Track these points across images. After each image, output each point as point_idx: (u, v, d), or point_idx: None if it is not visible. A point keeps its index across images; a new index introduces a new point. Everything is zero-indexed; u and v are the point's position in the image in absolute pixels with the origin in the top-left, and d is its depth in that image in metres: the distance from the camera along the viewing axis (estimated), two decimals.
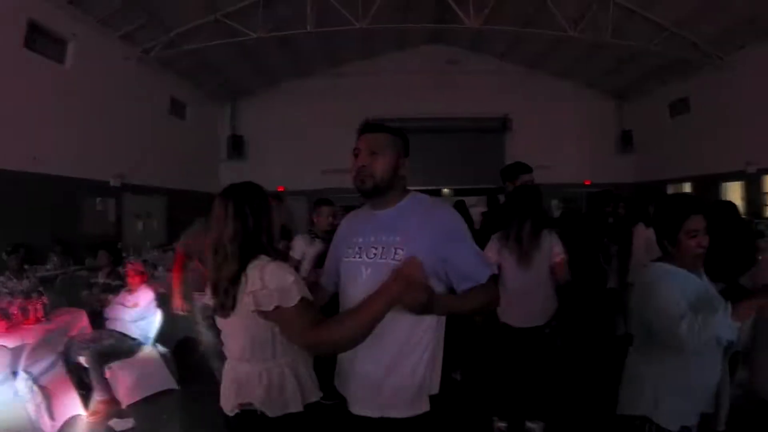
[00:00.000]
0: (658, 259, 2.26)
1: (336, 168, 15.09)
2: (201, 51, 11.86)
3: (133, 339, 5.06)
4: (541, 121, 16.63)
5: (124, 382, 4.76)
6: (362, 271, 1.95)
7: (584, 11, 12.00)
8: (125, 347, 4.94)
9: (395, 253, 1.88)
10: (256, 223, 1.90)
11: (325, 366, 2.06)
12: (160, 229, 12.61)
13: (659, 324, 2.07)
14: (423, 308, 1.71)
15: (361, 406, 1.92)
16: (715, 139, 13.63)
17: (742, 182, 12.51)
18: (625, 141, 17.54)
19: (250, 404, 1.85)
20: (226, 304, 1.85)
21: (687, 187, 14.67)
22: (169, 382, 5.18)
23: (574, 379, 4.78)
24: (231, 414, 1.91)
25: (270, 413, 1.83)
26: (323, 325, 1.72)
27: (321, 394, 1.98)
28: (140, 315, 5.12)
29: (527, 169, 4.14)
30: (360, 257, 1.99)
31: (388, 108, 15.54)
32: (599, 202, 6.57)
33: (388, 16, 11.83)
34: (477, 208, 8.32)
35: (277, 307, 1.73)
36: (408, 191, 2.07)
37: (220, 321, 1.96)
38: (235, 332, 1.91)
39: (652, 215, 2.50)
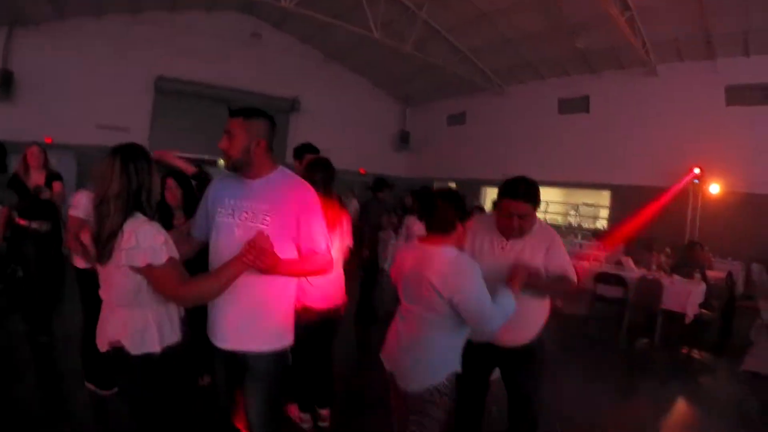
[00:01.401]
0: (432, 242, 2.50)
1: (114, 124, 13.75)
2: None
3: None
4: (329, 109, 17.37)
5: None
6: (234, 231, 2.28)
7: (393, 19, 12.98)
8: None
9: (263, 219, 2.26)
10: (138, 182, 2.08)
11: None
12: None
13: (474, 309, 2.32)
14: (270, 269, 2.16)
15: (232, 344, 2.33)
16: (481, 150, 16.55)
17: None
18: (403, 140, 19.51)
19: (119, 342, 2.09)
20: (103, 254, 2.05)
21: (453, 186, 16.52)
22: None
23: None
24: (103, 351, 2.16)
25: (132, 351, 2.08)
26: (190, 282, 2.09)
27: (178, 339, 2.24)
28: None
29: (313, 150, 4.26)
30: (233, 218, 2.31)
31: (181, 69, 14.80)
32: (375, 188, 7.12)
33: None
34: None
35: (148, 265, 1.99)
36: (277, 165, 2.40)
37: (98, 268, 2.15)
38: (109, 280, 2.13)
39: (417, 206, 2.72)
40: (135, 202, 2.06)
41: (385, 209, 7.12)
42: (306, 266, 2.36)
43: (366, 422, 3.97)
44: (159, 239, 2.03)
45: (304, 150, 4.27)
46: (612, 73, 13.07)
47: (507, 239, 2.81)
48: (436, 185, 17.17)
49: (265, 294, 2.31)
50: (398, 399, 2.61)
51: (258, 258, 2.09)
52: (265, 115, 2.36)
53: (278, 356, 2.36)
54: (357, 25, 12.69)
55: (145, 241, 1.98)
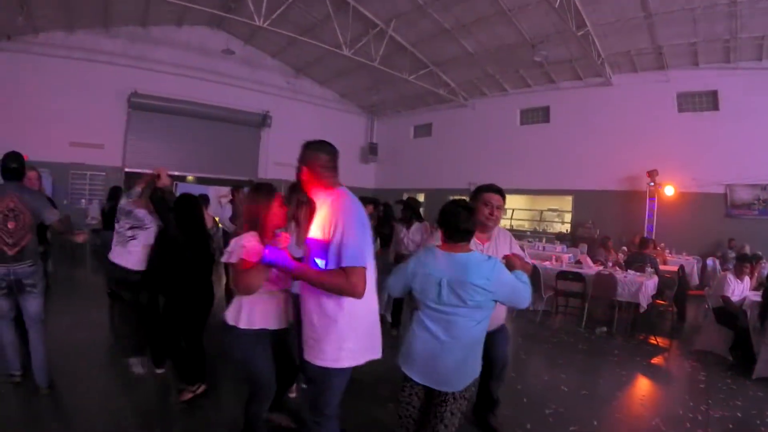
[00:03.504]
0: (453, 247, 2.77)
1: (87, 142, 14.07)
2: None
3: None
4: (299, 122, 17.57)
5: None
6: None
7: (362, 35, 13.47)
8: None
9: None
10: (258, 210, 2.92)
11: None
12: None
13: (513, 292, 2.70)
14: (251, 265, 2.57)
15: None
16: (447, 160, 17.24)
17: (466, 198, 15.77)
18: (371, 151, 20.00)
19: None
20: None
21: (421, 197, 17.23)
22: None
23: None
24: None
25: (227, 321, 2.87)
26: (238, 275, 2.67)
27: (266, 325, 2.88)
28: None
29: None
30: None
31: (154, 84, 14.99)
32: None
33: None
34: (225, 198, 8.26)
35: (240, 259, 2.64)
36: (332, 187, 2.63)
37: None
38: None
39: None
40: (251, 224, 2.84)
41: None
42: (314, 276, 2.34)
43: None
44: (240, 243, 2.68)
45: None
46: (570, 85, 13.74)
47: (483, 244, 3.44)
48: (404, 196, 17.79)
49: (326, 310, 2.41)
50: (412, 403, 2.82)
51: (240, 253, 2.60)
52: (311, 144, 2.64)
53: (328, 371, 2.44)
54: (326, 42, 13.05)
55: (236, 241, 2.71)
